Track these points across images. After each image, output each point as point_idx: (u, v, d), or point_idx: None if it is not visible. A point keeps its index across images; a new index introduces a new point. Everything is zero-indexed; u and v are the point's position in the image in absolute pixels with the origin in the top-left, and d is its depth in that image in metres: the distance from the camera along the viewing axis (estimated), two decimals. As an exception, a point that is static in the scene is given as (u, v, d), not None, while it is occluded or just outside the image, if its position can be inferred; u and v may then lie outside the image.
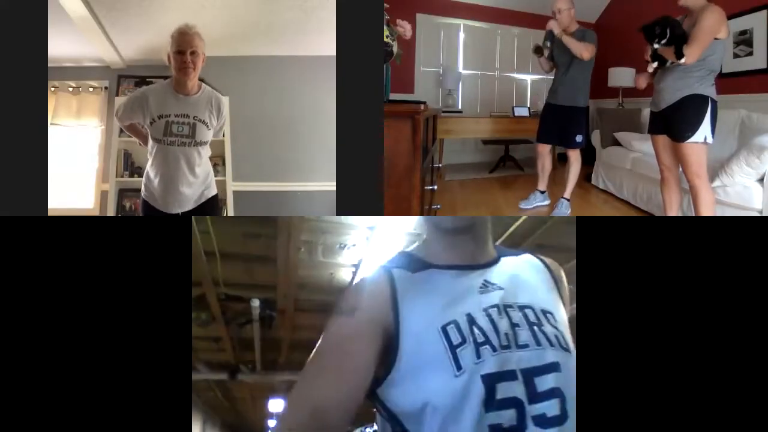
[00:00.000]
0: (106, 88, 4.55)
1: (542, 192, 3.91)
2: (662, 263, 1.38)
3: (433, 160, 2.72)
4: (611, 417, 1.33)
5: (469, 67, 6.23)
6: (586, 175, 4.98)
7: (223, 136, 2.41)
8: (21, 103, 1.80)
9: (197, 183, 2.34)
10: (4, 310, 1.36)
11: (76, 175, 4.52)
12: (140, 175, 4.26)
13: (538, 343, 0.80)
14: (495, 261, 0.90)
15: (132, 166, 4.36)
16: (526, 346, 0.79)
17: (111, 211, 4.22)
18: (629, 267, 1.38)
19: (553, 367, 0.79)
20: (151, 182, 2.34)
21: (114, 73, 4.52)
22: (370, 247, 2.57)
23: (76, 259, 1.39)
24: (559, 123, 3.64)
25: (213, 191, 2.45)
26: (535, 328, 0.82)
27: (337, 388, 0.75)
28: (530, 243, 2.61)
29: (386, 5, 2.00)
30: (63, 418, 1.33)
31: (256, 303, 3.10)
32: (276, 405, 5.37)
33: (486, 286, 0.85)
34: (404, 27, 2.26)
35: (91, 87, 4.55)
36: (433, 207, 2.56)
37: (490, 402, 0.75)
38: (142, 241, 1.42)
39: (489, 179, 5.35)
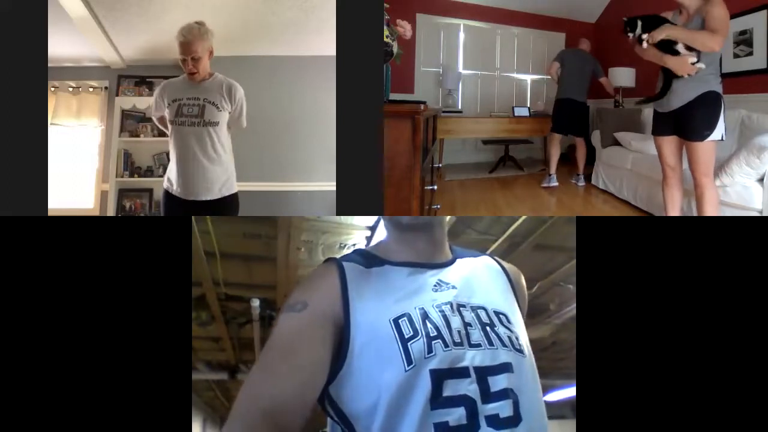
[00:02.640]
0: (106, 88, 4.55)
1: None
2: (662, 263, 1.38)
3: (433, 160, 2.71)
4: (611, 416, 1.33)
5: (469, 67, 6.22)
6: (586, 176, 4.98)
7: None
8: (21, 103, 1.80)
9: (212, 168, 2.36)
10: (4, 310, 1.36)
11: (76, 175, 4.52)
12: (140, 175, 4.31)
13: (491, 343, 0.78)
14: (451, 261, 0.90)
15: (132, 166, 4.36)
16: (478, 345, 0.78)
17: (111, 211, 4.22)
18: (629, 267, 1.38)
19: (505, 368, 0.77)
20: (171, 170, 2.42)
21: (114, 73, 4.52)
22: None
23: (76, 259, 1.39)
24: (571, 115, 4.65)
25: (235, 189, 2.47)
26: (488, 328, 0.80)
27: (290, 387, 0.71)
28: (530, 243, 2.60)
29: (386, 5, 2.00)
30: (63, 417, 1.33)
31: (256, 303, 3.10)
32: None
33: (440, 284, 0.84)
34: (404, 27, 2.26)
35: (91, 87, 4.55)
36: (433, 207, 2.56)
37: (437, 399, 0.72)
38: (142, 241, 1.42)
39: (489, 179, 5.35)
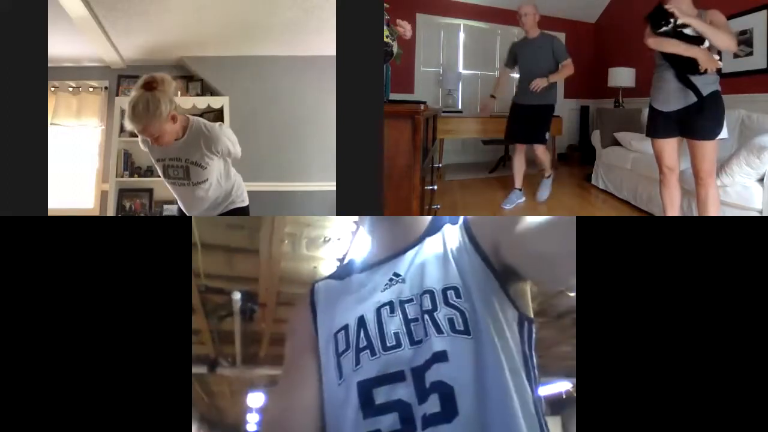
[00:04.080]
0: (106, 88, 4.55)
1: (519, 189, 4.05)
2: (662, 263, 1.38)
3: (433, 160, 2.71)
4: (612, 416, 1.33)
5: (469, 67, 6.22)
6: (586, 176, 4.98)
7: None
8: (21, 103, 1.80)
9: (216, 203, 2.33)
10: (4, 309, 1.36)
11: (76, 175, 4.52)
12: (140, 175, 4.31)
13: (426, 335, 0.73)
14: (416, 243, 0.83)
15: (132, 166, 4.36)
16: (420, 342, 0.73)
17: (111, 211, 4.22)
18: (629, 267, 1.38)
19: (438, 357, 0.71)
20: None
21: (114, 73, 4.52)
22: (355, 241, 2.56)
23: (76, 259, 1.39)
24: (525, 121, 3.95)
25: (242, 203, 2.42)
26: (426, 316, 0.74)
27: (297, 398, 0.79)
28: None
29: (386, 5, 2.00)
30: (63, 417, 1.33)
31: (237, 296, 3.07)
32: (255, 399, 5.34)
33: (392, 280, 0.81)
34: (404, 27, 2.26)
35: (91, 87, 4.55)
36: (433, 207, 2.56)
37: (368, 408, 0.72)
38: (142, 241, 1.42)
39: (489, 179, 5.35)
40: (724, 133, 2.52)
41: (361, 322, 0.78)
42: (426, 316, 0.74)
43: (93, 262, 1.39)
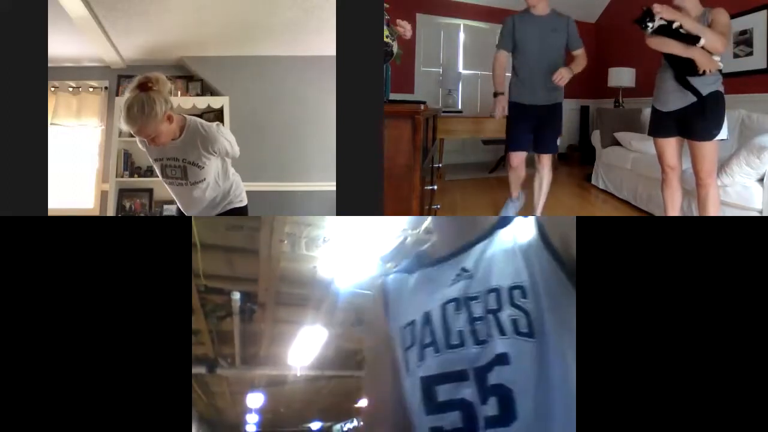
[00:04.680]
0: (106, 88, 4.55)
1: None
2: (662, 263, 1.38)
3: (433, 160, 2.71)
4: (612, 416, 1.33)
5: (469, 67, 6.22)
6: (586, 176, 4.98)
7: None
8: (21, 103, 1.80)
9: (214, 203, 2.34)
10: (4, 309, 1.36)
11: (76, 175, 4.52)
12: (140, 175, 4.31)
13: (490, 335, 0.72)
14: (486, 235, 0.81)
15: (132, 166, 4.36)
16: (484, 342, 0.72)
17: (111, 211, 4.22)
18: (629, 267, 1.38)
19: (500, 360, 0.70)
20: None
21: (114, 73, 4.53)
22: (355, 242, 2.55)
23: (76, 259, 1.39)
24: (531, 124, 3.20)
25: (240, 203, 2.42)
26: (490, 315, 0.72)
27: (378, 390, 0.84)
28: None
29: (386, 5, 2.00)
30: (63, 417, 1.33)
31: (236, 296, 3.07)
32: (255, 400, 5.32)
33: (459, 274, 0.79)
34: (404, 27, 2.27)
35: (91, 87, 4.55)
36: (433, 207, 2.56)
37: (430, 405, 0.73)
38: (142, 241, 1.42)
39: (489, 179, 5.35)
40: (723, 134, 2.51)
41: (427, 318, 0.78)
42: (490, 316, 0.73)
43: (93, 262, 1.39)
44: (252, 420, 6.10)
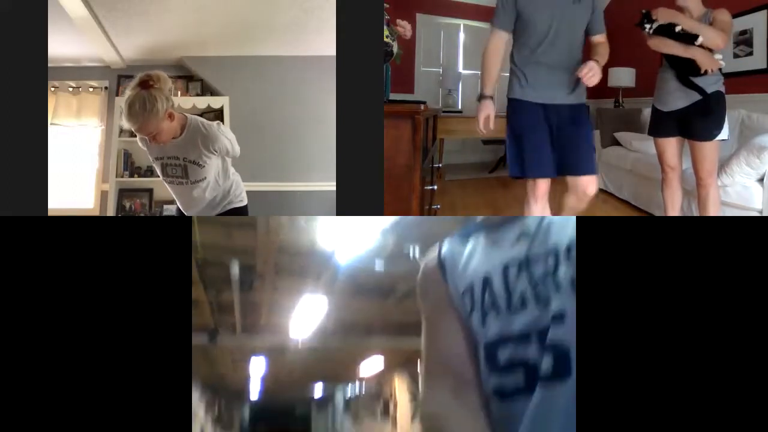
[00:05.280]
0: (106, 88, 4.55)
1: None
2: (662, 263, 1.38)
3: (433, 160, 2.72)
4: (612, 416, 1.33)
5: (469, 67, 6.23)
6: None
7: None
8: (21, 103, 1.80)
9: (214, 203, 2.34)
10: (4, 309, 1.36)
11: (76, 175, 4.52)
12: (140, 175, 4.31)
13: (550, 296, 0.73)
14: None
15: (132, 166, 4.36)
16: (545, 302, 0.73)
17: (111, 211, 4.22)
18: (629, 267, 1.38)
19: (557, 317, 0.71)
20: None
21: (114, 73, 4.53)
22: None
23: (76, 259, 1.39)
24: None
25: (240, 203, 2.43)
26: (549, 278, 0.73)
27: (440, 355, 0.83)
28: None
29: (386, 5, 2.00)
30: (63, 417, 1.33)
31: (235, 267, 3.08)
32: (257, 364, 5.28)
33: (519, 237, 0.80)
34: (404, 27, 2.27)
35: (91, 87, 4.55)
36: (433, 207, 2.56)
37: (494, 366, 0.74)
38: (141, 241, 1.42)
39: (489, 179, 5.35)
40: (724, 134, 2.51)
41: (487, 281, 0.78)
42: (549, 278, 0.74)
43: (93, 262, 1.39)
44: (254, 386, 6.08)
